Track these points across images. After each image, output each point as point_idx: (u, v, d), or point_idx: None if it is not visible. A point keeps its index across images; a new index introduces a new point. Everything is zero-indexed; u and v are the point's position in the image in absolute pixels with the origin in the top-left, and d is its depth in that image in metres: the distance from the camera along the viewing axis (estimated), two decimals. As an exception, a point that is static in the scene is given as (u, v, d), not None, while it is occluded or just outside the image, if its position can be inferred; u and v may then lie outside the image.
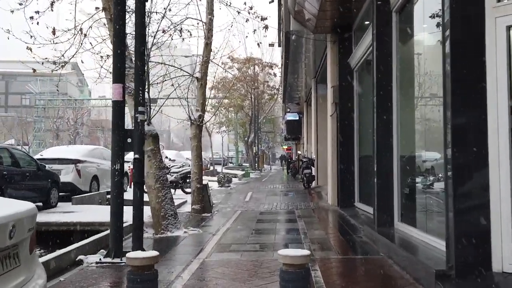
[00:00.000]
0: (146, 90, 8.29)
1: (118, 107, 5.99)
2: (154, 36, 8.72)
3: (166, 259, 5.81)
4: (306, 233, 7.63)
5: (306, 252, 3.15)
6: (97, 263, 5.69)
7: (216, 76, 31.15)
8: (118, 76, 5.97)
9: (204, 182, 11.20)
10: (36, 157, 11.97)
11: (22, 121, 47.04)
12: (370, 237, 7.08)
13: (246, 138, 37.75)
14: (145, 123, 8.43)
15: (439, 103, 5.03)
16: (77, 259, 5.96)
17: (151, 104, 8.46)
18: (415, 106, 7.04)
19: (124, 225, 7.97)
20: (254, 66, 33.20)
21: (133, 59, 8.76)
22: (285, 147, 53.55)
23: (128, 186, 16.45)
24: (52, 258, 5.42)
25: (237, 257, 5.85)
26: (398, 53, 7.24)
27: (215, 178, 19.52)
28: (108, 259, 5.73)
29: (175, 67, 10.22)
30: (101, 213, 9.44)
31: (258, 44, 11.89)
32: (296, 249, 3.24)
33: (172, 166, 15.72)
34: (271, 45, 27.41)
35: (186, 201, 12.44)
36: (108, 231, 6.81)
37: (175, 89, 10.64)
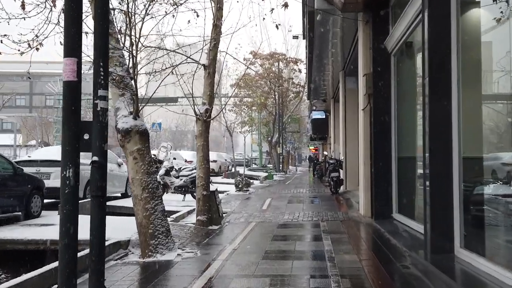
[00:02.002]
0: (131, 76, 6.65)
1: (71, 90, 4.28)
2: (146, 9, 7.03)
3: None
4: (334, 259, 5.81)
5: None
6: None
7: (238, 72, 29.59)
8: (71, 47, 4.26)
9: (212, 188, 9.50)
10: (22, 159, 10.46)
11: (43, 122, 46.39)
12: (422, 268, 5.23)
13: (269, 138, 35.88)
14: (131, 116, 6.82)
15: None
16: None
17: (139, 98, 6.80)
18: (482, 92, 5.19)
19: (110, 242, 6.41)
20: (278, 62, 31.37)
21: (119, 38, 7.19)
22: (312, 147, 51.53)
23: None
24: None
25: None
26: (459, 26, 5.38)
27: (232, 181, 17.80)
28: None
29: (175, 51, 8.52)
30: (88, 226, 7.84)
31: (276, 26, 10.09)
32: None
33: (184, 169, 14.09)
34: (295, 37, 25.60)
35: (194, 210, 10.74)
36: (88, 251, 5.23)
37: (178, 80, 8.97)
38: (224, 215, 10.25)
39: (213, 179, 24.52)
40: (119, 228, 7.35)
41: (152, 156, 16.56)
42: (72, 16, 4.22)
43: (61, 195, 4.20)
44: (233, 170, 29.68)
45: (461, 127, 5.23)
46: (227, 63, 27.32)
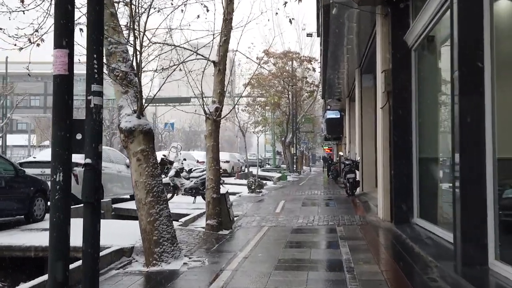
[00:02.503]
0: (135, 72, 6.23)
1: (61, 85, 3.88)
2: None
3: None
4: (353, 269, 5.32)
5: None
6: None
7: (251, 72, 29.10)
8: (62, 36, 3.85)
9: (223, 190, 9.06)
10: (27, 160, 10.11)
11: (56, 122, 46.35)
12: (451, 282, 4.72)
13: (283, 138, 35.32)
14: (135, 115, 6.41)
15: None
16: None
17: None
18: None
19: (113, 249, 5.98)
20: (291, 61, 30.81)
21: (128, 31, 6.78)
22: (326, 147, 50.85)
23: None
24: None
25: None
26: (493, 16, 4.86)
27: (245, 182, 17.33)
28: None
29: (182, 47, 8.08)
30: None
31: (290, 20, 9.66)
32: None
33: (194, 170, 13.67)
34: (309, 35, 25.01)
35: (204, 213, 10.31)
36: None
37: (185, 76, 8.55)
38: (235, 218, 9.81)
39: (225, 180, 24.14)
40: (124, 233, 6.95)
41: (162, 156, 16.27)
42: (63, 2, 3.81)
43: (51, 202, 3.80)
44: (246, 170, 29.26)
45: (495, 125, 4.71)
46: (240, 62, 26.82)
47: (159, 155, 19.21)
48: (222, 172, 26.15)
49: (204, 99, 8.67)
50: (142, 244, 6.09)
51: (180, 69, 8.40)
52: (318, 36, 23.53)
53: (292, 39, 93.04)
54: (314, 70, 31.94)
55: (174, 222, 8.84)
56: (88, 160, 3.86)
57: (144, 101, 6.36)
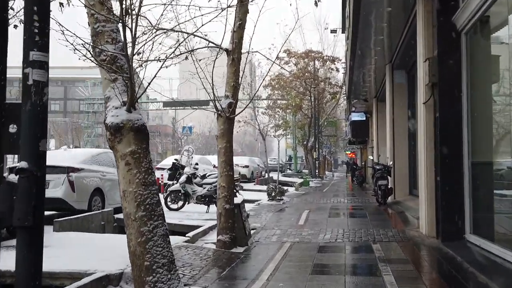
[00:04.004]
0: (124, 54, 4.97)
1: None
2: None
3: None
4: (407, 311, 3.94)
5: None
6: None
7: (271, 74, 27.86)
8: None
9: (238, 199, 7.76)
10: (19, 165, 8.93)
11: (73, 126, 45.89)
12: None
13: (304, 142, 33.79)
14: (124, 108, 5.17)
15: None
16: None
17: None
18: None
19: (95, 276, 4.67)
20: (313, 61, 29.35)
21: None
22: (348, 152, 49.19)
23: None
24: None
25: None
26: None
27: (265, 188, 15.98)
28: None
29: (187, 33, 6.80)
30: (86, 250, 6.23)
31: (315, 2, 8.26)
32: None
33: (209, 175, 12.40)
34: (334, 31, 23.53)
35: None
36: None
37: (193, 63, 7.31)
38: (252, 232, 8.51)
39: (244, 186, 22.88)
40: (117, 253, 5.68)
41: (174, 161, 15.03)
42: None
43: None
44: (266, 176, 27.92)
45: None
46: (259, 62, 25.72)
47: (171, 159, 18.14)
48: (240, 177, 24.99)
49: (214, 91, 7.39)
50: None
51: (187, 58, 7.19)
52: (342, 32, 22.16)
53: (314, 40, 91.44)
54: (337, 70, 30.45)
55: (179, 237, 7.59)
56: (24, 164, 2.61)
57: (137, 90, 5.11)
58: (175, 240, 6.94)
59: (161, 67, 5.38)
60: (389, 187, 12.76)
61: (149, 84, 5.20)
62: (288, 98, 30.05)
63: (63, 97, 65.36)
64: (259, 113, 31.52)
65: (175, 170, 13.39)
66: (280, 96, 31.43)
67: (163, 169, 16.34)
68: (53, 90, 59.27)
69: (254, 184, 24.10)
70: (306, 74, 29.34)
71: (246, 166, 27.11)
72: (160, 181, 15.30)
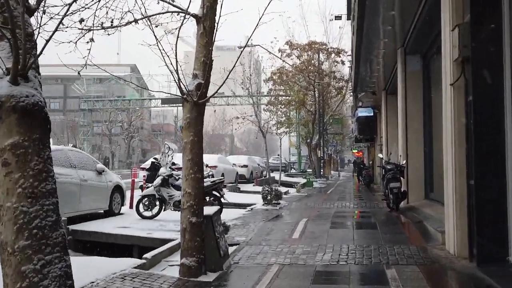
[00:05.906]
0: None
1: None
2: None
3: None
4: None
5: None
6: None
7: (273, 68, 26.10)
8: None
9: (210, 210, 5.99)
10: None
11: (70, 124, 44.34)
12: None
13: (308, 140, 31.88)
14: (6, 79, 3.44)
15: None
16: None
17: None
18: None
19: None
20: (317, 53, 27.46)
21: None
22: (355, 151, 47.21)
23: (129, 206, 11.57)
24: None
25: None
26: None
27: (260, 189, 14.17)
28: None
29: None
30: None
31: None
32: None
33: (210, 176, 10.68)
34: (338, 17, 21.62)
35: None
36: None
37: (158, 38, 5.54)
38: (233, 248, 6.77)
39: (242, 187, 21.10)
40: None
41: (153, 160, 13.26)
42: None
43: None
44: (267, 176, 26.10)
45: None
46: (261, 57, 23.96)
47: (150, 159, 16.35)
48: (238, 177, 23.26)
49: (179, 70, 5.63)
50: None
51: (137, 22, 5.47)
52: (348, 19, 20.36)
53: (319, 33, 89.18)
54: (343, 63, 28.54)
55: (131, 260, 5.85)
56: None
57: (29, 56, 3.34)
58: (119, 265, 5.20)
59: (60, 23, 3.59)
60: (402, 190, 10.94)
61: (46, 44, 3.40)
62: (290, 94, 28.21)
63: (62, 95, 63.79)
64: (259, 109, 29.70)
65: (154, 170, 11.68)
66: (282, 91, 29.58)
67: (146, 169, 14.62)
68: (53, 88, 57.84)
69: (253, 185, 22.31)
70: (310, 67, 27.47)
71: (245, 166, 25.31)
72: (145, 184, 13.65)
